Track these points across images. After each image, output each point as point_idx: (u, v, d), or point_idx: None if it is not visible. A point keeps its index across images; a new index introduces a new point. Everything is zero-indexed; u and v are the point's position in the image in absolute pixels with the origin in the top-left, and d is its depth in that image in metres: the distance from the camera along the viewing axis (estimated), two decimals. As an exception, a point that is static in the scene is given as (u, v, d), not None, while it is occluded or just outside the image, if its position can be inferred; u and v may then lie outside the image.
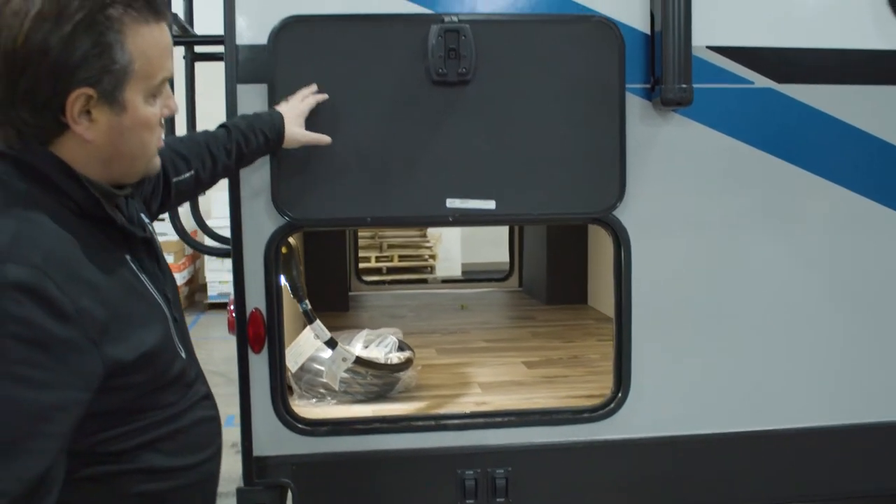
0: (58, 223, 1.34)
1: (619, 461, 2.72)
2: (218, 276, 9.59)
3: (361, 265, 6.75)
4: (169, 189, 2.00)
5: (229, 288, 8.62)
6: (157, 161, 1.56)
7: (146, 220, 1.69)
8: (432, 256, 11.12)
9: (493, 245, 9.69)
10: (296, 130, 2.39)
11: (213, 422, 1.66)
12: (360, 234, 10.90)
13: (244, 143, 2.27)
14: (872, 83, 2.72)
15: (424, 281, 7.10)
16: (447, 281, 6.45)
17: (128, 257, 1.50)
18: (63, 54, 1.30)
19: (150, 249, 1.59)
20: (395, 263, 10.72)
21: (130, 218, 1.59)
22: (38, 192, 1.36)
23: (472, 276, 6.16)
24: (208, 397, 1.66)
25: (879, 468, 2.87)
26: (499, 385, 3.25)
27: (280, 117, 2.37)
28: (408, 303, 5.14)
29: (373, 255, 10.66)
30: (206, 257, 9.58)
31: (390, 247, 10.96)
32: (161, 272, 1.62)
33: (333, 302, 4.70)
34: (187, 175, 2.08)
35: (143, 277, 1.52)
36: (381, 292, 5.58)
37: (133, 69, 1.37)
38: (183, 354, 1.57)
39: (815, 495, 2.87)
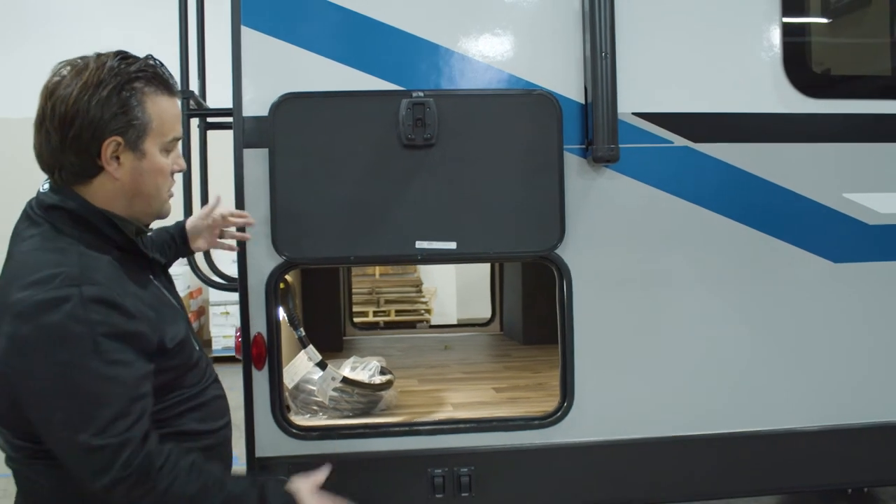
0: (104, 254, 1.86)
1: (565, 461, 3.19)
2: (222, 330, 10.08)
3: (359, 319, 7.34)
4: None
5: (233, 342, 9.27)
6: (169, 206, 2.06)
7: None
8: (427, 311, 11.60)
9: (486, 300, 10.18)
10: (197, 238, 2.64)
11: (224, 399, 2.20)
12: (357, 289, 11.47)
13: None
14: (771, 141, 3.26)
15: (413, 326, 7.58)
16: (434, 326, 6.95)
17: (151, 277, 2.05)
18: (100, 112, 1.83)
19: (164, 271, 2.17)
20: (392, 318, 11.19)
21: (148, 248, 2.15)
22: (85, 235, 1.88)
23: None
24: (217, 381, 2.20)
25: (798, 468, 3.34)
26: (469, 404, 3.74)
27: (182, 227, 2.64)
28: (397, 345, 5.63)
29: (370, 310, 11.14)
30: (211, 314, 10.12)
31: (387, 302, 11.46)
32: (172, 287, 2.18)
33: (329, 343, 5.21)
34: None
35: (164, 290, 2.07)
36: (373, 336, 6.08)
37: (151, 126, 1.90)
38: (197, 347, 2.12)
39: (738, 493, 3.37)
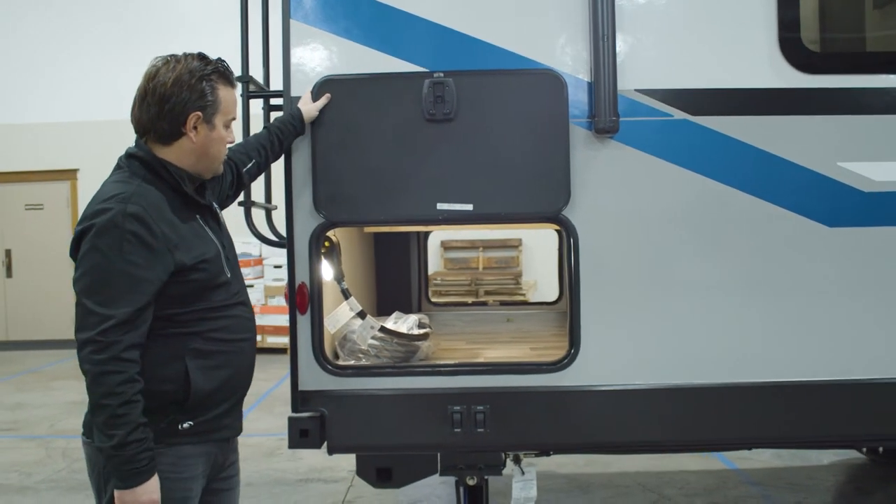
0: (158, 191, 2.54)
1: (571, 403, 3.55)
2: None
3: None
4: (241, 176, 3.22)
5: (274, 340, 11.53)
6: (221, 168, 2.76)
7: (215, 204, 2.82)
8: (526, 303, 11.97)
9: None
10: (309, 110, 3.45)
11: (248, 321, 2.75)
12: (456, 279, 11.95)
13: (280, 133, 3.40)
14: (766, 114, 3.54)
15: (485, 303, 7.98)
16: (505, 303, 7.35)
17: (198, 217, 2.66)
18: (189, 94, 2.56)
19: (213, 216, 2.74)
20: (491, 307, 11.61)
21: (204, 197, 2.72)
22: (149, 175, 2.56)
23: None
24: (246, 304, 2.75)
25: (793, 420, 3.59)
26: (500, 357, 4.14)
27: (298, 110, 3.46)
28: (465, 318, 6.06)
29: (469, 300, 11.61)
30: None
31: (486, 293, 11.91)
32: (220, 231, 2.76)
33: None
34: (250, 164, 3.29)
35: (206, 228, 2.67)
36: (445, 312, 6.53)
37: (220, 108, 2.62)
38: (228, 275, 2.68)
39: (727, 443, 3.66)
